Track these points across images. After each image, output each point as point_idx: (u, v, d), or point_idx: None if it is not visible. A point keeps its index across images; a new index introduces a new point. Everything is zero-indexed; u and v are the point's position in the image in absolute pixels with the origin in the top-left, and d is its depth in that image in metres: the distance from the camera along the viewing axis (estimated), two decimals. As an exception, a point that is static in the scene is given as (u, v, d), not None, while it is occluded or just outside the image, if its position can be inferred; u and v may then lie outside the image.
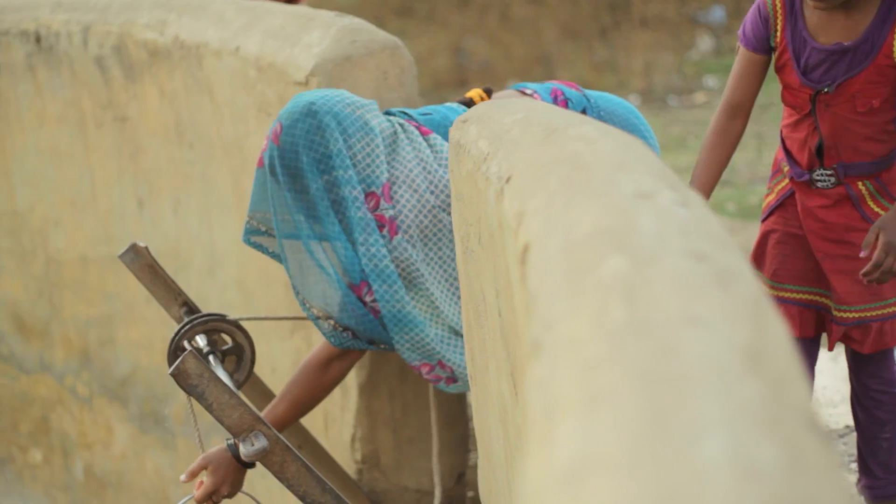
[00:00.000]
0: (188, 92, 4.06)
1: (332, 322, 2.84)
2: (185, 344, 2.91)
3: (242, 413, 2.56)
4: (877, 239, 2.87)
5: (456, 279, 2.89)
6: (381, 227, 2.86)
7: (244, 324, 3.02)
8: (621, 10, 10.78)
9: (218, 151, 3.97)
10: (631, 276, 1.30)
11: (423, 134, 2.95)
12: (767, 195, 3.20)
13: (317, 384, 2.88)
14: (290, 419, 2.92)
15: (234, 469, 2.84)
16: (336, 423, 3.40)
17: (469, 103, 3.06)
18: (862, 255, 2.89)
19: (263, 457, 2.57)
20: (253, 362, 3.00)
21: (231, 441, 2.86)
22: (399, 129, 2.93)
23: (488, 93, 3.10)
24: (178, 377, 2.58)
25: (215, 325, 2.97)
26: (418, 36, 10.73)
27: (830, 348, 3.13)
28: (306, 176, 2.84)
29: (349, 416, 3.33)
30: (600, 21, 10.75)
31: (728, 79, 3.05)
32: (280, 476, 2.63)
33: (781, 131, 3.10)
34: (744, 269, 1.40)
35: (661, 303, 1.21)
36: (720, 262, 1.38)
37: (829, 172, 3.00)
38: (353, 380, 3.26)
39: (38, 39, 4.76)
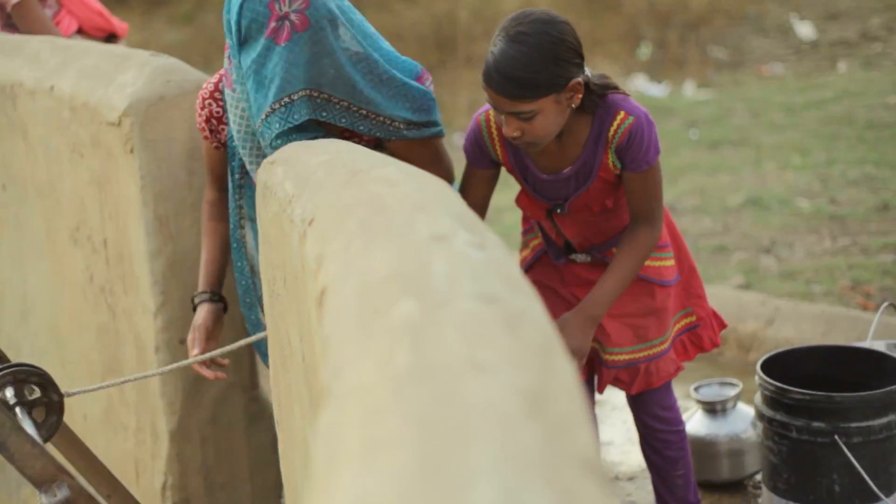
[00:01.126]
0: (2, 132, 3.96)
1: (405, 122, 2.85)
2: (-10, 393, 2.80)
3: (45, 463, 2.48)
4: None
5: None
6: None
7: (54, 371, 2.93)
8: (447, 49, 10.90)
9: (31, 193, 3.87)
10: (419, 321, 1.29)
11: None
12: (523, 249, 3.27)
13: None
14: None
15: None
16: (147, 471, 3.33)
17: None
18: None
19: (67, 508, 2.49)
20: (62, 412, 2.91)
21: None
22: None
23: None
24: (-20, 427, 2.49)
25: (22, 374, 2.88)
26: (247, 74, 10.67)
27: (600, 391, 3.19)
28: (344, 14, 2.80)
29: (160, 464, 3.27)
30: (426, 59, 10.84)
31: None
32: (87, 527, 2.55)
33: None
34: (535, 312, 1.41)
35: (447, 347, 1.21)
36: (510, 304, 1.38)
37: (583, 255, 3.12)
38: (163, 426, 3.20)
39: None
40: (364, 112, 2.80)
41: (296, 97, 2.72)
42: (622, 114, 2.83)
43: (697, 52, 11.24)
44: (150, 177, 3.14)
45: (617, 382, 3.15)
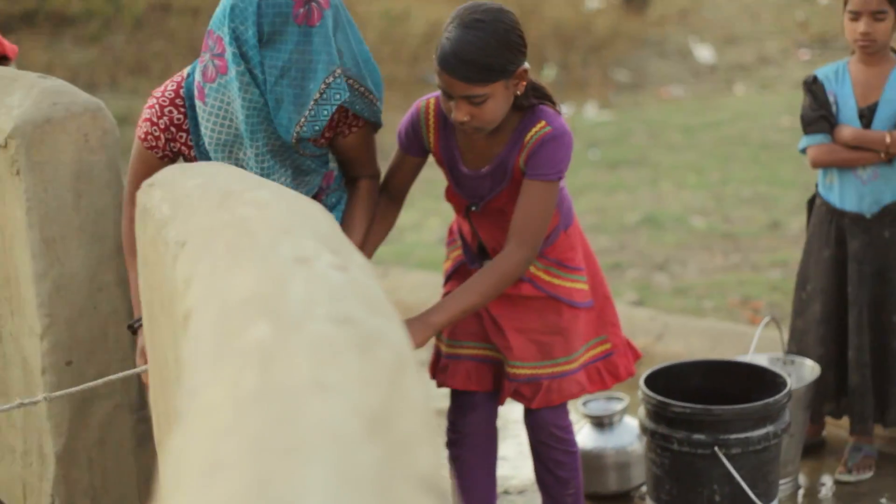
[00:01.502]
0: None
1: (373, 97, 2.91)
2: None
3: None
4: None
5: None
6: None
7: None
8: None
9: (-82, 215, 3.83)
10: (271, 343, 1.31)
11: None
12: (445, 262, 3.32)
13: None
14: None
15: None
16: (34, 493, 3.30)
17: None
18: None
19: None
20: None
21: None
22: None
23: None
24: None
25: None
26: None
27: (501, 402, 3.23)
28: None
29: (47, 486, 3.24)
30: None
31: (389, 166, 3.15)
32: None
33: None
34: (391, 333, 1.43)
35: (294, 369, 1.23)
36: (366, 326, 1.41)
37: None
38: (50, 448, 3.18)
39: None
40: (363, 90, 2.88)
41: (338, 73, 2.78)
42: (543, 122, 2.93)
43: (599, 74, 11.39)
44: (36, 199, 3.13)
45: (518, 396, 3.17)
